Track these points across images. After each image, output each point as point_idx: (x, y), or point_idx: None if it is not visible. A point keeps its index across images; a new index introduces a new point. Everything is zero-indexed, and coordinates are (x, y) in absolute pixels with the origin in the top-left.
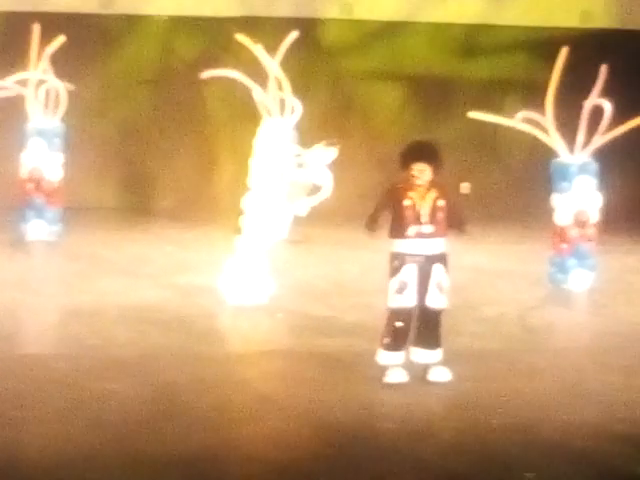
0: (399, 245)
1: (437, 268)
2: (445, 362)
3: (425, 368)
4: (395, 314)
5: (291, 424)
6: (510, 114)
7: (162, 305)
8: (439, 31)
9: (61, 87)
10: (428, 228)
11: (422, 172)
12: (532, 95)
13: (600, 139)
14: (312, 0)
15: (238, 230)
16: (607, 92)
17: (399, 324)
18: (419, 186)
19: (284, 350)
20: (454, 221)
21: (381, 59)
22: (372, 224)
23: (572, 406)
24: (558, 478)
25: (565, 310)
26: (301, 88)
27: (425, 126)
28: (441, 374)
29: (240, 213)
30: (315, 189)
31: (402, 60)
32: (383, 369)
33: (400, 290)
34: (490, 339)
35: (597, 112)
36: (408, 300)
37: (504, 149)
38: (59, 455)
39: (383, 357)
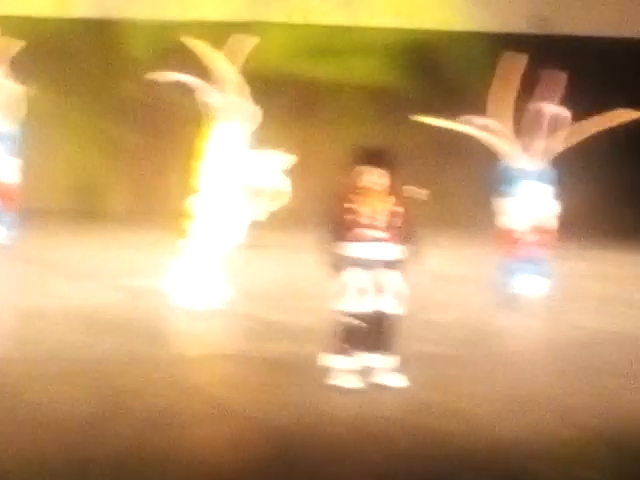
0: (353, 250)
1: (391, 273)
2: (397, 367)
3: (378, 373)
4: (347, 318)
5: (242, 428)
6: (465, 120)
7: (113, 308)
8: (394, 37)
9: (20, 92)
10: (381, 233)
11: (377, 177)
12: (483, 100)
13: (555, 145)
14: (269, 5)
15: (183, 233)
16: (563, 98)
17: (352, 328)
18: (374, 191)
19: (236, 354)
20: (406, 233)
21: (338, 64)
22: (329, 247)
23: (525, 412)
24: None
25: (517, 315)
26: (259, 93)
27: (382, 131)
28: (394, 379)
29: (185, 216)
30: (273, 194)
31: (359, 65)
32: (336, 374)
33: (353, 295)
34: (441, 344)
35: (552, 118)
36: (361, 305)
37: (458, 154)
38: (8, 458)
39: (335, 361)
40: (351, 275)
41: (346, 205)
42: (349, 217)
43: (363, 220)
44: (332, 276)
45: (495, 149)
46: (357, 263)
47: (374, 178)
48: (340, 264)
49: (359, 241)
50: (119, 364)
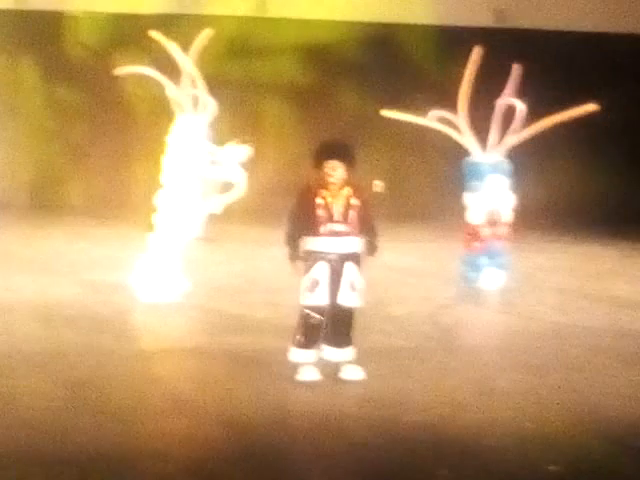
0: (311, 243)
1: (349, 267)
2: (357, 360)
3: (337, 366)
4: (307, 311)
5: (203, 422)
6: (424, 113)
7: (74, 302)
8: (357, 31)
9: None
10: (341, 227)
11: (335, 170)
12: (445, 94)
13: (512, 138)
14: None
15: (150, 227)
16: (520, 92)
17: (311, 322)
18: (332, 184)
19: (196, 348)
20: (364, 226)
21: (294, 57)
22: (291, 240)
23: (483, 404)
24: (469, 476)
25: (477, 308)
26: (215, 86)
27: (339, 124)
28: (353, 372)
29: (152, 210)
30: (229, 187)
31: (317, 58)
32: (295, 367)
33: (312, 288)
34: (401, 337)
35: (510, 111)
36: (320, 298)
37: (418, 148)
38: None
39: (295, 355)
40: (311, 268)
41: (306, 199)
42: (309, 211)
43: (322, 213)
44: (292, 268)
45: (456, 143)
46: (316, 256)
47: (332, 171)
48: (300, 257)
49: (318, 235)
50: (79, 358)
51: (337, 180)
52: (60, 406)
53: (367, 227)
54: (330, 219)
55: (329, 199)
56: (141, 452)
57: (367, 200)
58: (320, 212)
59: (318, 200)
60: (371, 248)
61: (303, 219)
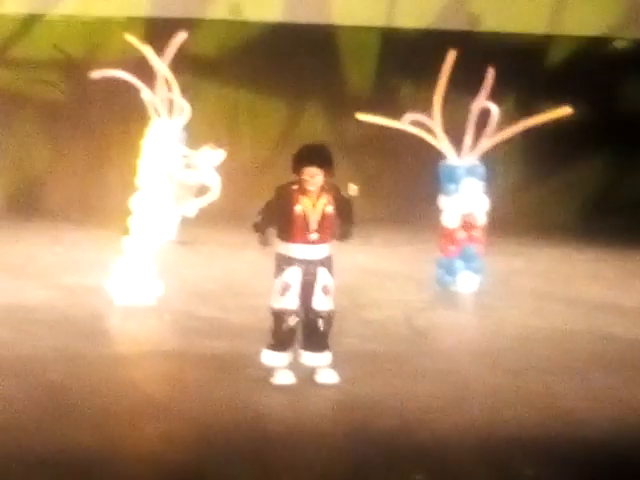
0: (285, 248)
1: (322, 271)
2: (332, 364)
3: (313, 370)
4: (278, 315)
5: (177, 426)
6: (398, 116)
7: (49, 305)
8: (329, 32)
9: None
10: (315, 235)
11: (313, 177)
12: (419, 97)
13: (487, 142)
14: (201, 1)
15: (126, 231)
16: (495, 95)
17: (282, 325)
18: (310, 191)
19: (171, 351)
20: (338, 227)
21: (269, 60)
22: (260, 227)
23: (459, 408)
24: (446, 479)
25: (452, 312)
26: (189, 89)
27: (313, 128)
28: (328, 376)
29: (128, 213)
30: (203, 190)
31: (292, 62)
32: (270, 371)
33: (282, 291)
34: (377, 341)
35: (485, 115)
36: (290, 302)
37: (392, 151)
38: None
39: (267, 357)
40: (282, 272)
41: (284, 202)
42: (286, 215)
43: (299, 222)
44: (261, 242)
45: (431, 146)
46: (289, 261)
47: (311, 178)
48: (270, 242)
49: (293, 241)
50: (52, 361)
51: (315, 186)
52: (35, 410)
53: (343, 218)
54: (305, 228)
55: (307, 208)
56: (116, 456)
57: (341, 200)
58: (297, 220)
59: (296, 207)
60: (344, 234)
61: (279, 221)
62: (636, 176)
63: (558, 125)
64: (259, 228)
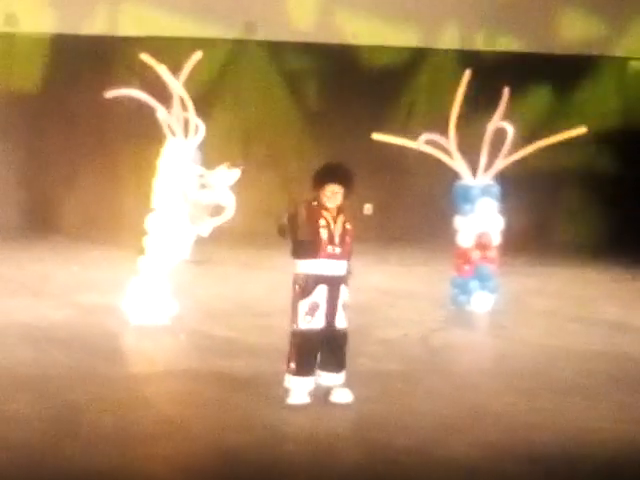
0: (310, 266)
1: (343, 288)
2: (347, 383)
3: (328, 389)
4: (305, 336)
5: (193, 445)
6: (413, 136)
7: (65, 324)
8: (348, 51)
9: None
10: (338, 250)
11: (335, 194)
12: (434, 117)
13: (502, 162)
14: (217, 21)
15: (142, 250)
16: (510, 115)
17: (309, 346)
18: (329, 208)
19: (186, 370)
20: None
21: (282, 80)
22: (284, 231)
23: (473, 427)
24: None
25: (466, 331)
26: (204, 108)
27: (328, 147)
28: (343, 395)
29: (144, 233)
30: (218, 210)
31: (308, 81)
32: (286, 390)
33: (311, 311)
34: (392, 360)
35: (500, 135)
36: (318, 321)
37: (408, 171)
38: None
39: (293, 384)
40: (310, 292)
41: (310, 215)
42: (312, 232)
43: (324, 235)
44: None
45: (447, 166)
46: (316, 279)
47: (332, 195)
48: (302, 282)
49: (318, 257)
50: (68, 380)
51: (335, 204)
52: (52, 428)
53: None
54: (331, 242)
55: (330, 222)
56: (132, 476)
57: (353, 223)
58: (322, 234)
59: (321, 222)
60: (348, 271)
61: (302, 236)
62: None
63: (574, 145)
64: (283, 232)
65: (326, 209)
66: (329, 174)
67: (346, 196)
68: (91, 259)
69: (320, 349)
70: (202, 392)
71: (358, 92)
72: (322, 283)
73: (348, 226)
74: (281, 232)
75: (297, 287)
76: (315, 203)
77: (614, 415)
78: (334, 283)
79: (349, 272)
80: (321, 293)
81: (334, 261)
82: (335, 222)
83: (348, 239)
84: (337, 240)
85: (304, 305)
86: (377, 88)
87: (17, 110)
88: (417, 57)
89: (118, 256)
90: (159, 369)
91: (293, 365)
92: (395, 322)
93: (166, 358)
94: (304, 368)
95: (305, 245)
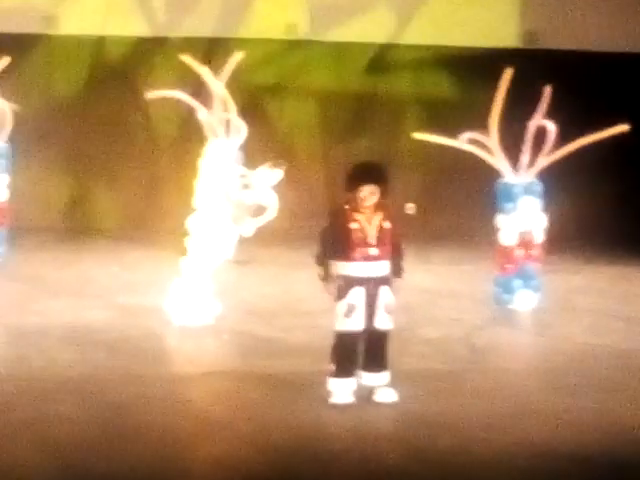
0: (346, 268)
1: (383, 289)
2: (391, 383)
3: (371, 389)
4: (343, 338)
5: (237, 446)
6: (455, 134)
7: (108, 325)
8: (387, 51)
9: (7, 108)
10: (375, 251)
11: (370, 195)
12: (476, 116)
13: (545, 160)
14: (258, 21)
15: (184, 251)
16: (552, 113)
17: (348, 348)
18: (366, 208)
19: (230, 371)
20: (393, 249)
21: (326, 79)
22: (321, 259)
23: (517, 426)
24: None
25: (510, 330)
26: (247, 109)
27: (370, 145)
28: (387, 395)
29: (185, 234)
30: (260, 210)
31: (349, 81)
32: (330, 390)
33: (348, 313)
34: (435, 359)
35: (542, 133)
36: (356, 323)
37: (449, 169)
38: (6, 478)
39: (335, 386)
40: (346, 294)
41: (340, 222)
42: (343, 235)
43: (357, 238)
44: (325, 288)
45: (489, 164)
46: (352, 281)
47: (368, 195)
48: (332, 278)
49: (353, 260)
50: (111, 381)
51: (371, 203)
52: (95, 430)
53: (395, 249)
54: (365, 243)
55: (364, 223)
56: (178, 477)
57: (396, 223)
58: (355, 236)
59: (353, 225)
60: (398, 270)
61: (337, 242)
62: None
63: (616, 142)
64: (320, 260)
65: (359, 211)
66: (362, 174)
67: (383, 194)
68: (133, 260)
69: (359, 349)
70: (246, 392)
71: (399, 91)
72: (358, 285)
73: (386, 225)
74: (318, 261)
75: (336, 289)
76: (347, 207)
77: None
78: (372, 285)
79: (396, 271)
80: (358, 295)
81: (370, 263)
82: (370, 223)
83: (387, 239)
84: (372, 241)
85: (342, 307)
86: (419, 86)
87: (59, 113)
88: (458, 55)
89: (160, 257)
90: (203, 370)
91: (332, 366)
92: (438, 321)
93: (209, 359)
94: (343, 370)
95: (337, 248)
